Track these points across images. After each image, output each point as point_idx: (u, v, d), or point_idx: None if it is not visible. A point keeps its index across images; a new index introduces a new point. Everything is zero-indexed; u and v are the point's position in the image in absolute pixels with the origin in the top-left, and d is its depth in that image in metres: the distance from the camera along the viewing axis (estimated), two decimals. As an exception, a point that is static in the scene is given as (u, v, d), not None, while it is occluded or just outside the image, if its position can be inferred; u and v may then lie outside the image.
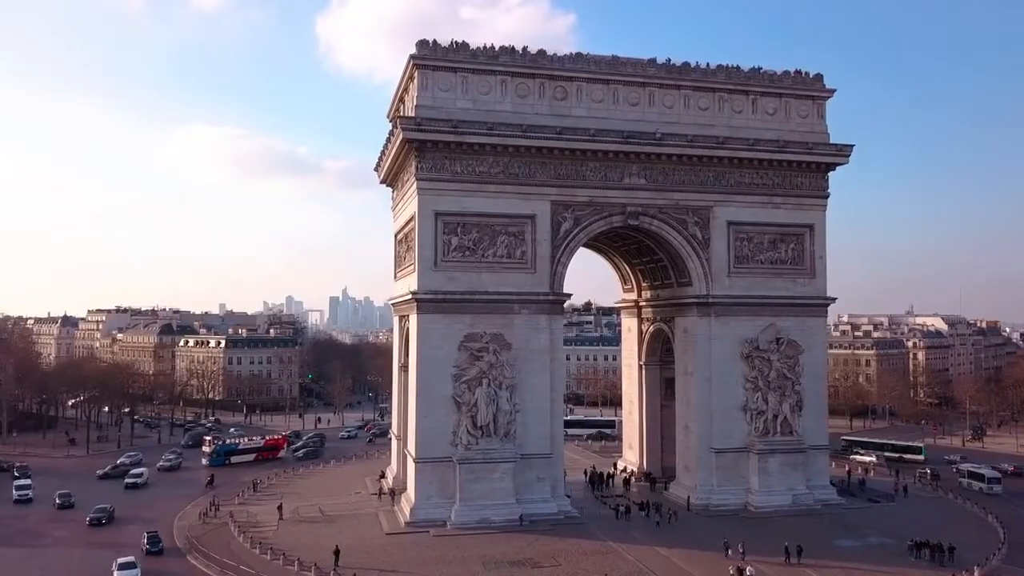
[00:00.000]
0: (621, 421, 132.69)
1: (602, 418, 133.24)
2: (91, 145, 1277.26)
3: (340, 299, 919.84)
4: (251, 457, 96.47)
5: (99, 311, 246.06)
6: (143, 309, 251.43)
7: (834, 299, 74.87)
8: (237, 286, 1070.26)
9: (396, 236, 79.07)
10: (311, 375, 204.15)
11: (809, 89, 74.13)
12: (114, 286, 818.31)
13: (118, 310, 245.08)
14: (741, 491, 70.16)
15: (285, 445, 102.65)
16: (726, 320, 71.27)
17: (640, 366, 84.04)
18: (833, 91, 74.79)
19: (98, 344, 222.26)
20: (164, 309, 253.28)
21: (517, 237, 67.03)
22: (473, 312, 65.30)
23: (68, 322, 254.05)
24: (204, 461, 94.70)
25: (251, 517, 66.59)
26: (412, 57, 65.29)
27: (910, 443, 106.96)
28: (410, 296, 66.04)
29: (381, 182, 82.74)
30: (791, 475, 70.45)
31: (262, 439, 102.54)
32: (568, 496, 68.95)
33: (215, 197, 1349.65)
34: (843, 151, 73.26)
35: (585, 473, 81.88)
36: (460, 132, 64.25)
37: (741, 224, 72.32)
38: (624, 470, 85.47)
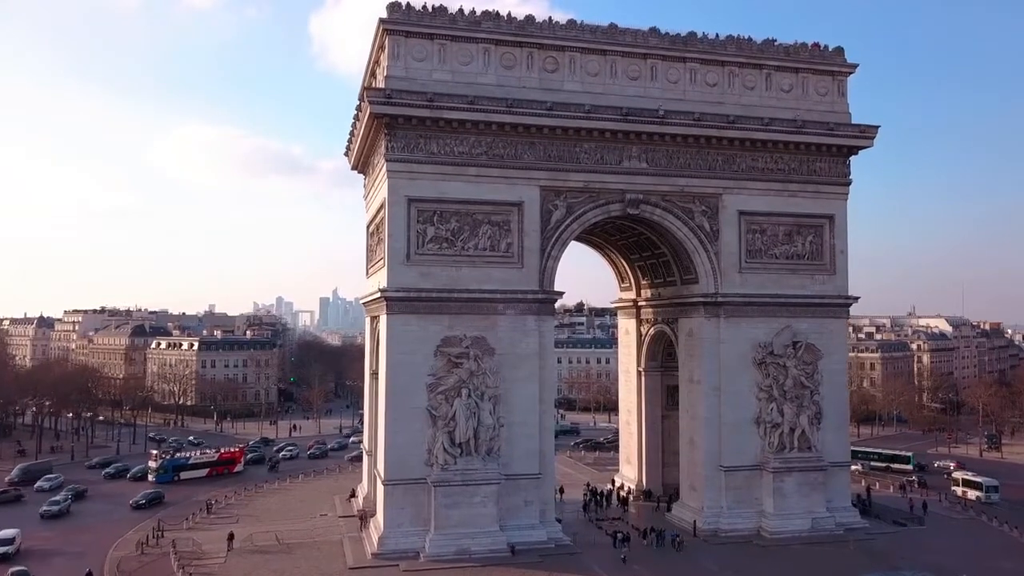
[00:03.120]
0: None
1: None
2: (84, 145, 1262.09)
3: (331, 299, 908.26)
4: (203, 472, 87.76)
5: (75, 311, 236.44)
6: (121, 309, 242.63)
7: (857, 298, 67.07)
8: (228, 287, 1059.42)
9: (368, 228, 70.91)
10: (293, 378, 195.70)
11: (829, 64, 66.37)
12: (103, 287, 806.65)
13: (95, 311, 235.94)
14: (754, 514, 62.30)
15: (242, 458, 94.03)
16: (737, 322, 63.41)
17: (639, 372, 76.10)
18: (855, 66, 67.08)
19: (74, 346, 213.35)
20: (140, 309, 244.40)
21: (502, 227, 59.00)
22: (451, 312, 57.23)
23: (44, 323, 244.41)
24: (151, 477, 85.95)
25: (196, 546, 58.13)
26: (382, 21, 57.13)
27: (898, 451, 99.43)
28: (379, 294, 57.94)
29: (352, 168, 74.54)
30: (810, 496, 62.61)
31: (216, 452, 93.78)
32: (559, 520, 61.00)
33: (208, 197, 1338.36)
34: (867, 133, 65.54)
35: (585, 493, 73.74)
36: (436, 106, 56.18)
37: (753, 214, 64.49)
38: (621, 487, 77.44)
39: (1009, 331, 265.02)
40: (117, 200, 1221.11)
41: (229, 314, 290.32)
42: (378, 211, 62.91)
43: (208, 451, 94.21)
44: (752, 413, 63.13)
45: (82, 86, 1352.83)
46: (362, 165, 71.72)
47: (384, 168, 57.75)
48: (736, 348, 63.20)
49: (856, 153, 66.66)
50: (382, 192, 59.74)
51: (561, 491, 73.25)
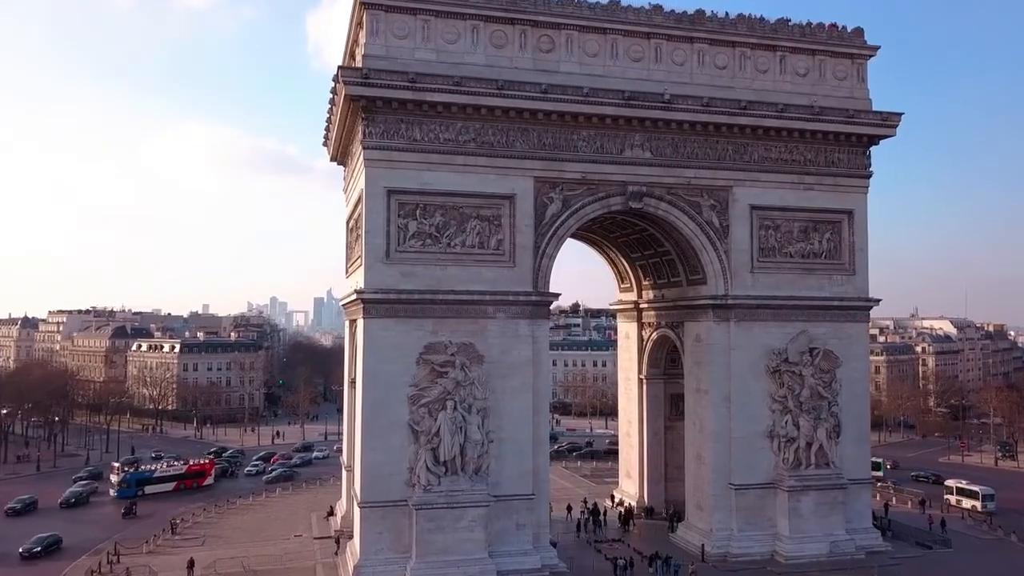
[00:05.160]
0: None
1: None
2: (80, 144, 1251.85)
3: (325, 300, 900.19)
4: (170, 486, 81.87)
5: (60, 312, 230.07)
6: (108, 310, 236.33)
7: (878, 300, 61.77)
8: (223, 287, 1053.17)
9: (347, 223, 65.36)
10: (282, 380, 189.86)
11: (848, 46, 61.09)
12: (96, 286, 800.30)
13: (80, 311, 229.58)
14: (767, 537, 57.02)
15: (212, 470, 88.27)
16: (748, 326, 58.11)
17: (640, 380, 70.71)
18: (876, 49, 61.81)
19: (58, 347, 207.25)
20: (125, 310, 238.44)
21: (492, 222, 53.52)
22: (436, 316, 51.71)
23: (28, 323, 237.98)
24: (112, 492, 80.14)
25: (152, 575, 52.58)
26: (359, -6, 51.66)
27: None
28: (355, 296, 52.46)
29: (332, 159, 69.10)
30: (828, 517, 57.34)
31: (184, 464, 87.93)
32: (554, 544, 55.59)
33: (204, 196, 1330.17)
34: (889, 121, 60.29)
35: (583, 511, 68.31)
36: (419, 88, 50.68)
37: (766, 209, 59.20)
38: (621, 503, 72.12)
39: (1012, 333, 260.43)
40: (112, 199, 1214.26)
41: (222, 314, 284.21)
42: (356, 204, 57.49)
43: (176, 463, 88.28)
44: (765, 426, 57.88)
45: (78, 85, 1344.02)
46: (341, 155, 66.30)
47: (361, 156, 52.30)
48: (747, 355, 57.93)
49: (877, 143, 61.47)
50: (360, 183, 54.29)
51: (568, 510, 68.34)
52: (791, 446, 57.45)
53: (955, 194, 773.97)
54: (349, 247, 63.91)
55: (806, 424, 57.49)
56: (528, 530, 52.46)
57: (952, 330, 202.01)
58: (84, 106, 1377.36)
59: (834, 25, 61.39)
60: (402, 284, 51.40)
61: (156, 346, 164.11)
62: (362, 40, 52.71)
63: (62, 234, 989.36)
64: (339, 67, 51.47)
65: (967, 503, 77.31)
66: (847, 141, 60.22)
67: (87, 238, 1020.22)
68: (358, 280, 54.00)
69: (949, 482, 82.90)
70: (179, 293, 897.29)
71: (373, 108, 50.92)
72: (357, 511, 51.53)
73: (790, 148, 59.47)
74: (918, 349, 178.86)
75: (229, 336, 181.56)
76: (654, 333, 68.66)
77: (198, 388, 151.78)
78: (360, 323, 52.98)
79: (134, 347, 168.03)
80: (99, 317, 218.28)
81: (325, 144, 68.65)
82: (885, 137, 60.89)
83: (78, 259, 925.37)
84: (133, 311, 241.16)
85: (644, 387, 70.31)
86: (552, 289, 55.48)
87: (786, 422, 57.63)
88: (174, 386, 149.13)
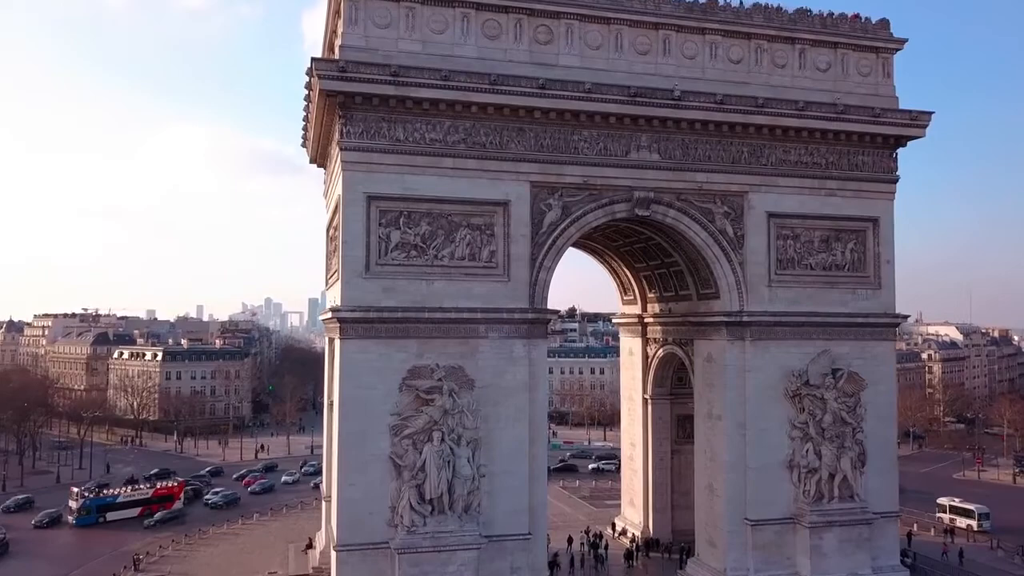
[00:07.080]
0: None
1: None
2: (77, 144, 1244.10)
3: (320, 300, 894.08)
4: (134, 512, 76.20)
5: (45, 316, 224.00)
6: (94, 313, 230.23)
7: (906, 317, 57.05)
8: (218, 288, 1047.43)
9: (327, 231, 60.12)
10: (271, 386, 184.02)
11: (873, 38, 56.02)
12: (90, 288, 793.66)
13: (65, 315, 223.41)
14: (787, 577, 51.95)
15: (181, 494, 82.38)
16: (765, 345, 52.96)
17: (645, 400, 65.58)
18: (903, 42, 56.72)
19: (43, 352, 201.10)
20: (110, 314, 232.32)
21: (484, 232, 48.31)
22: (421, 336, 46.47)
23: (13, 327, 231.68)
24: (70, 519, 74.36)
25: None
26: (336, -21, 46.48)
27: None
28: (332, 314, 47.17)
29: (311, 161, 63.68)
30: (853, 555, 52.20)
31: (150, 487, 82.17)
32: (552, 586, 50.45)
33: (200, 197, 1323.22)
34: (919, 120, 55.21)
35: (582, 543, 63.10)
36: (402, 83, 45.45)
37: (785, 216, 54.08)
38: (623, 532, 66.99)
39: (1016, 338, 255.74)
40: (110, 200, 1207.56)
41: (217, 316, 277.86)
42: (334, 211, 52.15)
43: (141, 487, 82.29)
44: (784, 455, 52.72)
45: (75, 85, 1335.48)
46: (320, 157, 60.98)
47: (339, 159, 47.06)
48: (764, 377, 52.75)
49: (904, 144, 56.39)
50: (337, 188, 49.02)
51: (569, 542, 63.21)
52: (812, 477, 52.34)
53: (956, 195, 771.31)
54: (328, 257, 58.65)
55: (829, 453, 52.35)
56: (524, 573, 47.32)
57: (958, 336, 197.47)
58: (82, 106, 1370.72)
59: (857, 16, 56.38)
60: (383, 300, 46.15)
61: (138, 354, 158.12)
62: (340, 30, 47.50)
63: (58, 235, 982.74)
64: (313, 59, 46.13)
65: (961, 522, 74.03)
66: (872, 142, 55.16)
67: (83, 239, 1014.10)
68: (335, 295, 48.73)
69: (941, 500, 78.96)
70: (174, 294, 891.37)
71: (351, 105, 45.68)
72: (333, 554, 46.25)
73: (810, 150, 54.39)
74: (924, 356, 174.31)
75: (215, 343, 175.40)
76: (660, 350, 63.50)
77: (181, 398, 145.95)
78: (337, 343, 47.68)
79: (115, 355, 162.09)
80: (83, 322, 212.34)
81: (304, 145, 63.36)
82: (913, 138, 55.82)
83: (74, 261, 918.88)
84: (119, 315, 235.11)
85: (649, 408, 65.20)
86: (549, 291, 50.17)
87: (807, 451, 52.49)
88: (156, 396, 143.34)
